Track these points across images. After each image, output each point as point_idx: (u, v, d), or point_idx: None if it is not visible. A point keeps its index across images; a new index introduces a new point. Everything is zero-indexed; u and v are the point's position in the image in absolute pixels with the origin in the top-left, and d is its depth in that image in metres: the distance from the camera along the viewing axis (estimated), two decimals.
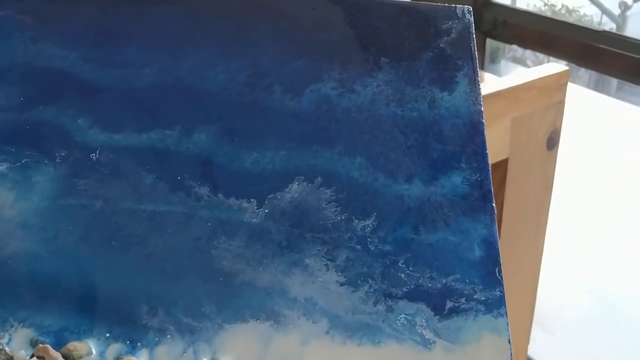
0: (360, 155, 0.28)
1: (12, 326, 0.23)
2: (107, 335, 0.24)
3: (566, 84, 0.91)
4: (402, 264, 0.25)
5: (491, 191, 0.27)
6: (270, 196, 0.26)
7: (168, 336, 0.24)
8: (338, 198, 0.26)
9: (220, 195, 0.26)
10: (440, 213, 0.26)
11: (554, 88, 0.88)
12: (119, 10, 0.32)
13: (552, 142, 0.94)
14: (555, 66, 0.94)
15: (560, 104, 0.91)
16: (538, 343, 1.32)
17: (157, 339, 0.24)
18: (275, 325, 0.25)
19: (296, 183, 0.27)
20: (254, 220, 0.25)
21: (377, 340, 0.25)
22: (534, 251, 1.01)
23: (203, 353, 0.24)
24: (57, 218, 0.25)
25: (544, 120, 0.91)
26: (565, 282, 1.48)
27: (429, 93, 0.30)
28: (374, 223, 0.26)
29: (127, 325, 0.23)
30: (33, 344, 0.24)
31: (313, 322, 0.25)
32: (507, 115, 0.87)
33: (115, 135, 0.27)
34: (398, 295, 0.24)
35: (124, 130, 0.27)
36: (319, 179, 0.27)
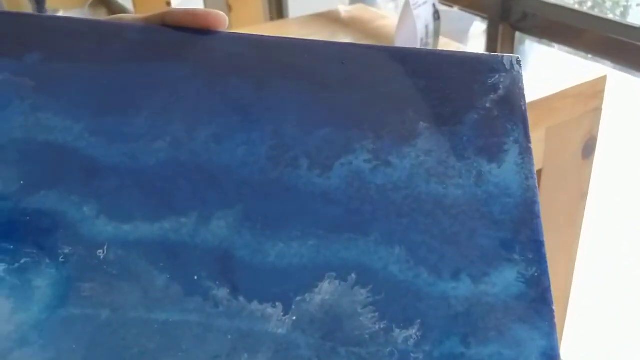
0: (399, 245, 0.24)
1: None
2: None
3: (604, 91, 0.86)
4: None
5: (550, 290, 0.24)
6: (297, 299, 0.23)
7: None
8: (375, 300, 0.23)
9: (241, 298, 0.23)
10: (493, 319, 0.23)
11: (591, 95, 0.84)
12: (125, 69, 0.29)
13: (588, 150, 0.89)
14: (591, 72, 0.89)
15: (597, 111, 0.86)
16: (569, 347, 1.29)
17: None
18: None
19: (327, 281, 0.24)
20: (280, 330, 0.22)
21: None
22: (567, 260, 0.97)
23: None
24: (58, 333, 0.22)
25: (580, 128, 0.86)
26: (599, 287, 1.45)
27: (475, 165, 0.27)
28: (417, 333, 0.22)
29: None
30: None
31: None
32: (542, 125, 0.83)
33: (124, 226, 0.24)
34: None
35: (134, 220, 0.25)
36: (352, 275, 0.24)
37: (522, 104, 0.29)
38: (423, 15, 1.23)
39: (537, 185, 0.27)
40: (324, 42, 0.30)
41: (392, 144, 0.27)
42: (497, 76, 0.30)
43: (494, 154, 0.27)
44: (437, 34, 1.25)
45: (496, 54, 0.31)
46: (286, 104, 0.28)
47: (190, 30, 0.30)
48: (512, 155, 0.27)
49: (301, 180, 0.26)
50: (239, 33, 0.31)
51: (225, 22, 0.31)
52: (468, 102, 0.29)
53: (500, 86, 0.29)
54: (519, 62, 0.30)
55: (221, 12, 0.31)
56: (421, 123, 0.28)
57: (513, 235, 0.25)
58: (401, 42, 1.19)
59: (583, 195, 0.95)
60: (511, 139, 0.28)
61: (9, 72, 0.28)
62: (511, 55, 0.31)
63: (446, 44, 1.28)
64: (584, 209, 0.96)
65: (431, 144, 0.27)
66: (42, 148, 0.26)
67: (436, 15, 1.24)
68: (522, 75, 0.30)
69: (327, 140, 0.27)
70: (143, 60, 0.29)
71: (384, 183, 0.26)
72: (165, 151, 0.27)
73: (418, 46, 1.19)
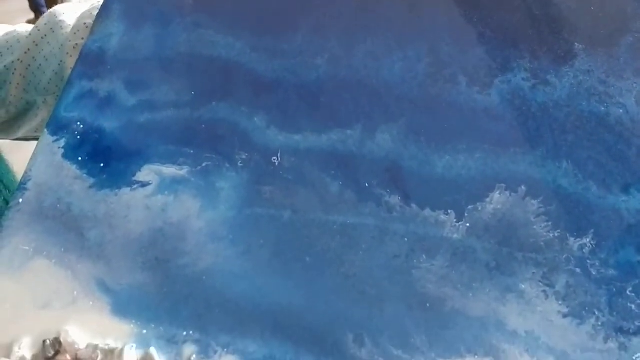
0: (566, 160, 0.25)
1: (215, 352, 0.22)
2: None
3: None
4: (630, 292, 0.22)
5: None
6: (469, 207, 0.24)
7: None
8: (547, 211, 0.23)
9: (413, 205, 0.24)
10: None
11: None
12: None
13: None
14: None
15: None
16: None
17: None
18: None
19: (497, 192, 0.24)
20: (455, 235, 0.23)
21: None
22: None
23: None
24: (246, 230, 0.23)
25: None
26: None
27: (634, 86, 0.26)
28: (592, 242, 0.23)
29: (335, 356, 0.22)
30: None
31: None
32: None
33: (294, 136, 0.25)
34: (630, 331, 0.21)
35: (303, 131, 0.25)
36: (522, 187, 0.24)
37: None
38: None
39: None
40: None
41: (549, 63, 0.27)
42: None
43: None
44: None
45: None
46: (439, 24, 0.28)
47: None
48: None
49: (462, 96, 0.26)
50: None
51: None
52: (622, 25, 0.28)
53: None
54: None
55: None
56: (576, 44, 0.28)
57: None
58: None
59: None
60: None
61: None
62: None
63: None
64: None
65: (589, 65, 0.27)
66: (208, 62, 0.27)
67: None
68: None
69: (483, 58, 0.27)
70: None
71: (545, 101, 0.26)
72: (324, 67, 0.27)
73: None
